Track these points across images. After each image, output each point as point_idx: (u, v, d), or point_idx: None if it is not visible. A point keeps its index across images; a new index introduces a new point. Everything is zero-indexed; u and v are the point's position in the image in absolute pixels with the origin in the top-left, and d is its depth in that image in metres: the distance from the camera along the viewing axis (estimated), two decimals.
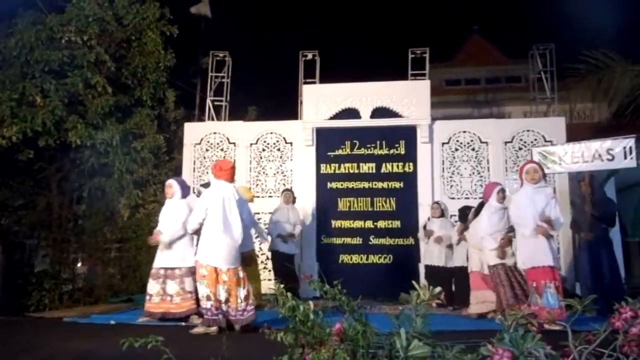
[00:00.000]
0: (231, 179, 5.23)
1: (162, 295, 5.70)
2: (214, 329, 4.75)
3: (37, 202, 9.29)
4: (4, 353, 3.76)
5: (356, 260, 8.50)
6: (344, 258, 8.52)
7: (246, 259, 6.83)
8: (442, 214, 7.25)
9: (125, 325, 5.54)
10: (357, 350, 2.17)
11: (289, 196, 7.73)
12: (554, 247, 5.35)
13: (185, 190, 6.08)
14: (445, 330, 3.98)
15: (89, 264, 9.92)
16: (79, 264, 10.02)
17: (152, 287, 5.75)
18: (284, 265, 7.41)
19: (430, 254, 7.26)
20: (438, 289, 2.10)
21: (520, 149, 8.52)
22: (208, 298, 4.84)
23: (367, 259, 8.44)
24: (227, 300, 4.87)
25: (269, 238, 7.36)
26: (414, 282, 2.24)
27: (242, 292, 4.91)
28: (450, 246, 7.00)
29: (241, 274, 4.99)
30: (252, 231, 6.85)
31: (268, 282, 7.89)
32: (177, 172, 9.68)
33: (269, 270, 8.18)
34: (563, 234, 8.07)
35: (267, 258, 8.33)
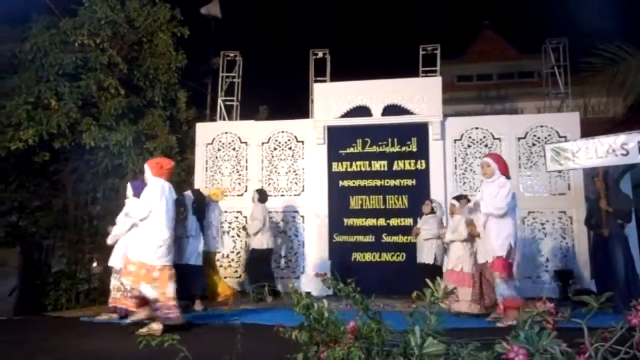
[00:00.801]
0: (169, 179, 5.39)
1: (122, 291, 5.81)
2: (160, 327, 4.83)
3: (53, 203, 9.41)
4: (22, 352, 3.82)
5: (369, 258, 8.50)
6: (357, 256, 8.53)
7: (211, 259, 6.97)
8: (432, 211, 7.22)
9: (141, 324, 5.59)
10: (372, 348, 2.18)
11: (253, 195, 8.05)
12: (502, 238, 5.31)
13: (136, 190, 6.13)
14: (459, 327, 3.97)
15: (104, 263, 10.01)
16: (95, 264, 10.12)
17: (114, 282, 6.00)
18: (254, 263, 7.60)
19: (420, 252, 7.33)
20: (452, 286, 2.10)
21: (533, 144, 8.45)
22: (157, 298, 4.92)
23: (379, 257, 8.44)
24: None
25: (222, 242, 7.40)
26: (427, 280, 2.24)
27: (172, 289, 4.99)
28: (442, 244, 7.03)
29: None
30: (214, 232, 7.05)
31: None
32: (189, 172, 9.75)
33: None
34: (578, 230, 8.01)
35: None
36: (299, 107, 10.33)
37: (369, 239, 8.53)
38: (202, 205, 6.85)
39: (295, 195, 8.94)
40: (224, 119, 10.04)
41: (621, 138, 6.22)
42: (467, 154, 8.62)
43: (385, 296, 7.21)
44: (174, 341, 2.30)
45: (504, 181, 5.42)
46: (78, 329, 5.40)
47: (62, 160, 9.27)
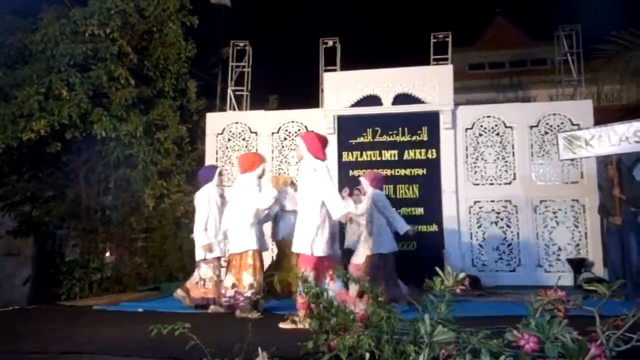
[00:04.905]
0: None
1: (215, 280, 5.80)
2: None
3: (65, 193, 9.50)
4: (36, 341, 3.87)
5: None
6: None
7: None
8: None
9: (153, 312, 5.64)
10: (382, 336, 2.18)
11: None
12: (311, 230, 4.55)
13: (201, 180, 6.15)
14: (470, 316, 3.96)
15: (117, 253, 10.13)
16: (107, 254, 10.24)
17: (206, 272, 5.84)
18: None
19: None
20: (462, 274, 2.09)
21: (546, 133, 8.37)
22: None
23: None
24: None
25: None
26: (437, 269, 2.23)
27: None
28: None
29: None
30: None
31: None
32: (200, 162, 9.78)
33: None
34: (591, 219, 7.95)
35: None
36: (309, 97, 10.29)
37: None
38: None
39: None
40: (234, 109, 10.04)
41: (634, 125, 6.11)
42: (478, 143, 8.55)
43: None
44: (185, 329, 2.32)
45: (313, 165, 4.60)
46: (91, 317, 5.46)
47: (74, 151, 9.34)
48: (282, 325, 4.22)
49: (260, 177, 5.43)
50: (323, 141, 4.82)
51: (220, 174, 6.11)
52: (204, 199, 5.84)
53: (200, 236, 5.75)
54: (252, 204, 5.22)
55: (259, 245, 5.27)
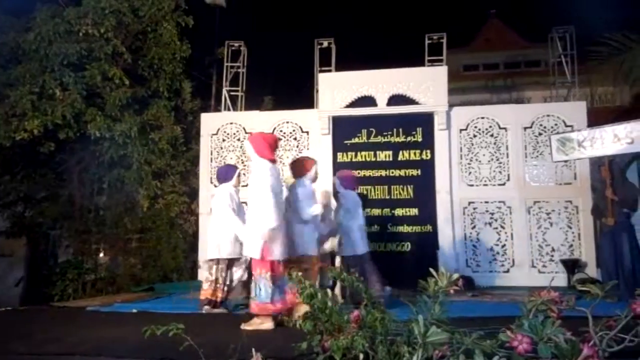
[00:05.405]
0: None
1: (220, 283, 5.68)
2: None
3: (59, 193, 9.46)
4: (29, 342, 3.85)
5: (374, 248, 8.47)
6: None
7: None
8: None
9: (147, 313, 5.63)
10: (376, 337, 2.18)
11: None
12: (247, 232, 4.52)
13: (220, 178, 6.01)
14: (463, 316, 3.96)
15: (111, 254, 10.09)
16: (101, 254, 10.20)
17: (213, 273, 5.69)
18: None
19: None
20: (456, 275, 2.10)
21: (540, 134, 8.40)
22: None
23: (385, 247, 8.42)
24: None
25: None
26: (431, 269, 2.24)
27: None
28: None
29: None
30: None
31: None
32: (194, 163, 9.76)
33: None
34: (584, 220, 7.98)
35: None
36: (304, 97, 10.30)
37: (374, 229, 8.50)
38: None
39: None
40: (229, 110, 10.02)
41: (627, 127, 6.16)
42: (472, 144, 8.57)
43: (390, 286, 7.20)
44: (179, 330, 2.32)
45: (254, 166, 4.53)
46: (85, 318, 5.44)
47: (67, 151, 9.31)
48: (243, 326, 4.19)
49: (313, 180, 5.34)
50: (270, 141, 4.72)
51: (239, 176, 5.97)
52: (224, 197, 5.69)
53: (237, 224, 5.46)
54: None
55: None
